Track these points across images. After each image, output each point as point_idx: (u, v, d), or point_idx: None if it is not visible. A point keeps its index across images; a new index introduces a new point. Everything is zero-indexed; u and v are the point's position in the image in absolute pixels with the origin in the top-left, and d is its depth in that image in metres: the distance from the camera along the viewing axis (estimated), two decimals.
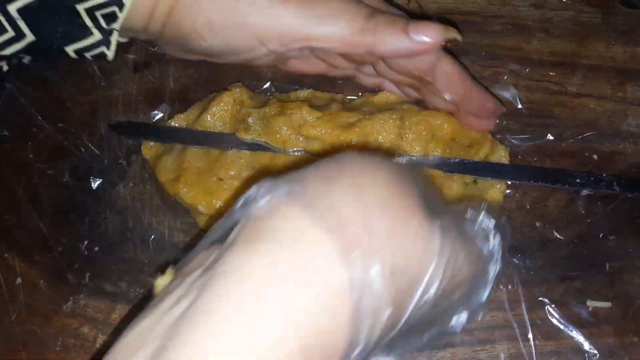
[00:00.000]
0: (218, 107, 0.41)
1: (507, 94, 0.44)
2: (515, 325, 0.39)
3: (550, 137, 0.43)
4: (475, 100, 0.39)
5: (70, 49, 0.35)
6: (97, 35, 0.35)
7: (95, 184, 0.43)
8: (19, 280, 0.41)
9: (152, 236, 0.42)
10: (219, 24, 0.35)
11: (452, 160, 0.40)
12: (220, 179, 0.40)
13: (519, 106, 0.43)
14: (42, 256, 0.42)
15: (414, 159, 0.40)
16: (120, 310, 0.41)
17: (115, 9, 0.34)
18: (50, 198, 0.43)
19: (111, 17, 0.35)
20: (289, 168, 0.39)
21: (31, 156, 0.44)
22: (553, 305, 0.39)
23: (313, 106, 0.41)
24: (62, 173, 0.43)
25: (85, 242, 0.42)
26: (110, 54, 0.36)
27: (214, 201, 0.39)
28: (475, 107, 0.39)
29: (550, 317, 0.39)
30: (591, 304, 0.39)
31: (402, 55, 0.36)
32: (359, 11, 0.35)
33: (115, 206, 0.43)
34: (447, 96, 0.39)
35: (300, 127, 0.40)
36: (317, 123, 0.40)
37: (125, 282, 0.41)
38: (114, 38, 0.36)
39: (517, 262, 0.40)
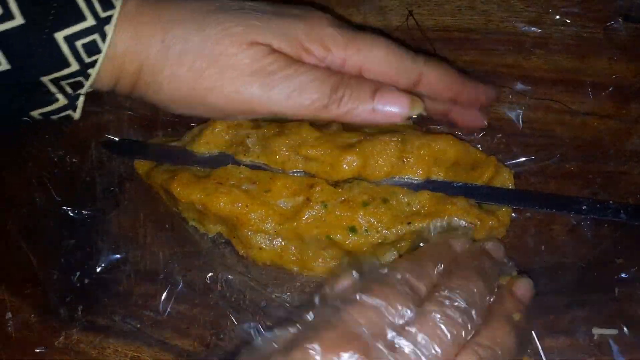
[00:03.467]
0: (212, 134, 0.40)
1: (509, 114, 0.43)
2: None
3: (553, 158, 0.41)
4: (468, 94, 0.40)
5: (35, 113, 0.36)
6: (62, 101, 0.36)
7: (86, 213, 0.42)
8: (9, 314, 0.40)
9: (146, 267, 0.41)
10: (181, 100, 0.36)
11: (455, 184, 0.39)
12: (220, 183, 0.38)
13: (521, 126, 0.42)
14: (33, 289, 0.41)
15: (415, 182, 0.39)
16: (114, 345, 0.39)
17: (81, 79, 0.35)
18: (40, 229, 0.42)
19: (77, 85, 0.35)
20: (288, 188, 0.38)
21: (20, 186, 0.43)
22: (560, 335, 0.38)
23: (313, 125, 0.40)
24: (51, 202, 0.42)
25: (77, 274, 0.41)
26: (76, 115, 0.37)
27: (210, 200, 0.38)
28: (469, 101, 0.40)
29: (557, 347, 0.38)
30: (597, 331, 0.38)
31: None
32: (321, 88, 0.36)
33: (107, 236, 0.42)
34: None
35: (300, 146, 0.39)
36: (316, 143, 0.39)
37: (119, 315, 0.40)
38: (80, 102, 0.36)
39: None
